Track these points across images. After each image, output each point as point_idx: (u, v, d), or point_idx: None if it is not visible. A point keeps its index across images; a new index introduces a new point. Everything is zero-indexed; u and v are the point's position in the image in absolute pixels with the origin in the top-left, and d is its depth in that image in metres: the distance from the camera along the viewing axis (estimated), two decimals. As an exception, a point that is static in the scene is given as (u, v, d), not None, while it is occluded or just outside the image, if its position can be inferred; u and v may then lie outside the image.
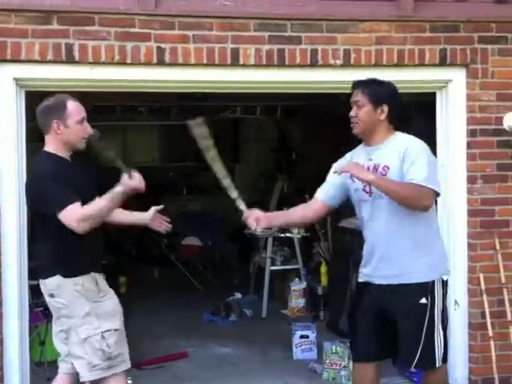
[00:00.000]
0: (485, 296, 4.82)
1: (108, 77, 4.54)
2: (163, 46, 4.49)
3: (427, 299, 3.58)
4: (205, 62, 4.55)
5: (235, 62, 4.58)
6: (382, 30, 4.74)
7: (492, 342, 4.78)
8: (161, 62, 4.51)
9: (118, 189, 3.46)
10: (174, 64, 4.54)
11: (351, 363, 3.97)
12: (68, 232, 3.45)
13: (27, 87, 4.55)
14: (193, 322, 6.95)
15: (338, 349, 5.25)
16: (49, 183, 3.47)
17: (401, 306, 3.61)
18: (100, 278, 3.71)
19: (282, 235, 7.73)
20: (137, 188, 3.48)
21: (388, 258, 3.64)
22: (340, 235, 7.26)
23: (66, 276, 3.55)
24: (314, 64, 4.68)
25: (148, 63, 4.50)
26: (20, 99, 4.51)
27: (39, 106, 3.70)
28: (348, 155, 3.91)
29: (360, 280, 3.84)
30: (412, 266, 3.60)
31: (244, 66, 4.61)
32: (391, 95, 3.73)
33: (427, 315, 3.58)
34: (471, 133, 4.87)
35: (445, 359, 3.67)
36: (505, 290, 4.84)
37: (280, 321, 7.03)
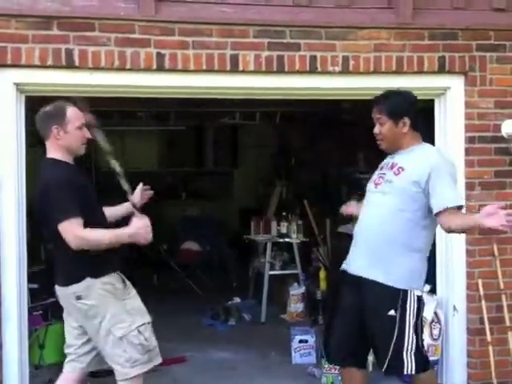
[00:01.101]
0: (483, 302, 4.83)
1: (108, 82, 4.56)
2: (163, 51, 4.51)
3: (396, 311, 3.59)
4: (204, 68, 4.57)
5: (234, 69, 4.60)
6: (380, 38, 4.76)
7: (490, 348, 4.80)
8: (160, 68, 4.53)
9: (127, 231, 3.60)
10: (173, 70, 4.55)
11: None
12: (94, 225, 3.55)
13: (27, 92, 4.56)
14: (192, 327, 6.95)
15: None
16: (62, 190, 3.52)
17: (370, 307, 3.64)
18: (124, 276, 3.82)
19: (281, 240, 7.75)
20: (144, 239, 3.63)
21: (371, 247, 3.67)
22: (339, 240, 7.28)
23: (95, 277, 3.61)
24: (312, 71, 4.69)
25: (147, 69, 4.52)
26: (20, 104, 4.53)
27: (39, 112, 3.74)
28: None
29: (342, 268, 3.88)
30: (390, 267, 3.62)
31: (243, 72, 4.63)
32: (410, 106, 3.75)
33: (396, 327, 3.59)
34: (469, 140, 4.88)
35: (422, 369, 3.69)
36: (503, 296, 4.86)
37: (279, 325, 7.03)
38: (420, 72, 4.80)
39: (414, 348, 3.63)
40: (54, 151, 3.70)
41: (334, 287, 3.89)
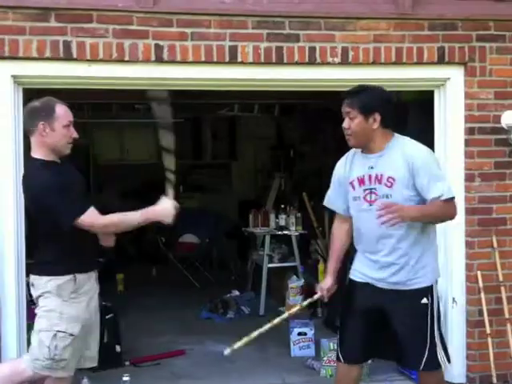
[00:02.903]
0: (482, 294, 4.83)
1: (106, 74, 4.53)
2: (161, 43, 4.49)
3: (428, 299, 3.58)
4: (203, 59, 4.55)
5: (233, 60, 4.58)
6: (380, 28, 4.74)
7: (490, 340, 4.80)
8: (159, 60, 4.51)
9: (151, 211, 3.70)
10: (172, 61, 4.53)
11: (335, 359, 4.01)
12: (62, 235, 3.49)
13: (25, 84, 4.54)
14: (190, 320, 6.95)
15: (335, 346, 5.25)
16: (57, 196, 3.46)
17: (402, 306, 3.59)
18: (86, 280, 3.69)
19: (280, 233, 7.74)
20: (168, 217, 3.72)
21: (393, 265, 3.60)
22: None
23: (52, 274, 3.59)
24: (312, 62, 4.68)
25: (146, 61, 4.50)
26: (17, 96, 4.50)
27: (26, 106, 3.68)
28: (343, 160, 3.84)
29: (356, 279, 3.78)
30: (416, 273, 3.59)
31: (242, 63, 4.61)
32: (382, 102, 3.64)
33: (429, 315, 3.57)
34: (469, 131, 4.87)
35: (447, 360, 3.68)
36: (502, 288, 4.85)
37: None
38: (420, 63, 4.79)
39: (441, 341, 3.63)
40: (38, 149, 3.61)
41: (346, 298, 3.83)
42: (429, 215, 3.57)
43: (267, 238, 7.64)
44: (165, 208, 3.74)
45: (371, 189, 3.61)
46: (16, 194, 4.40)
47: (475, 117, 4.87)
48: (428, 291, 3.61)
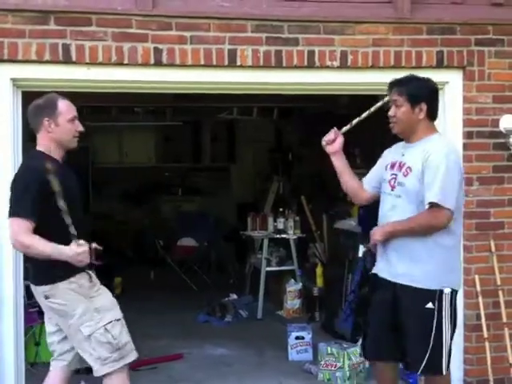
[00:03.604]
0: (480, 298, 4.83)
1: (105, 77, 4.53)
2: (160, 46, 4.49)
3: (434, 304, 3.54)
4: (202, 62, 4.55)
5: (232, 64, 4.58)
6: (379, 32, 4.75)
7: (487, 344, 4.79)
8: (158, 63, 4.51)
9: (67, 252, 3.43)
10: (171, 65, 4.53)
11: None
12: (60, 235, 3.45)
13: (24, 87, 4.54)
14: (188, 323, 6.96)
15: (333, 350, 5.26)
16: (29, 186, 3.43)
17: (407, 306, 3.59)
18: (92, 273, 3.71)
19: (278, 236, 7.74)
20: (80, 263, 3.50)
21: (401, 255, 3.62)
22: (336, 236, 7.28)
23: (60, 279, 3.54)
24: (311, 65, 4.68)
25: (145, 64, 4.50)
26: (17, 99, 4.50)
27: (30, 105, 3.71)
28: (386, 151, 3.94)
29: (373, 271, 3.84)
30: (422, 269, 3.58)
31: (241, 67, 4.61)
32: (430, 93, 3.71)
33: (435, 320, 3.55)
34: (467, 135, 4.87)
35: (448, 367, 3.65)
36: (500, 292, 4.85)
37: (275, 322, 7.04)
38: (418, 67, 4.78)
39: (449, 345, 3.59)
40: (43, 144, 3.65)
41: (369, 286, 3.85)
42: (401, 230, 3.59)
43: (265, 242, 7.66)
44: (78, 254, 3.46)
45: (395, 174, 3.70)
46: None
47: (474, 121, 4.87)
48: (435, 294, 3.57)
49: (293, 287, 7.26)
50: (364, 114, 3.93)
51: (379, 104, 3.89)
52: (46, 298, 3.60)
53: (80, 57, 4.40)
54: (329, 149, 3.96)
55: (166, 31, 4.49)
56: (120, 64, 4.47)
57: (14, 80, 4.44)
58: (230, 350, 6.09)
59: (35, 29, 4.34)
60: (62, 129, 3.62)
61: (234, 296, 7.67)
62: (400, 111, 3.64)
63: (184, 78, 4.63)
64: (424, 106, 3.63)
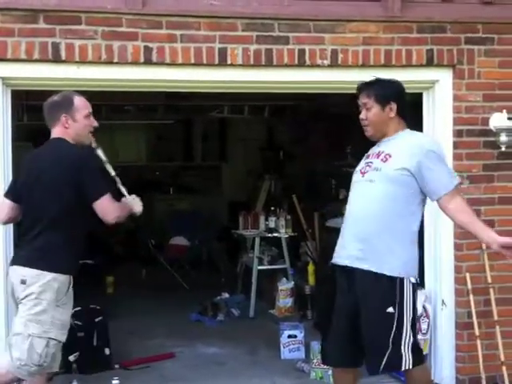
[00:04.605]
0: (471, 296, 4.83)
1: (95, 76, 4.53)
2: (150, 45, 4.48)
3: (394, 307, 3.52)
4: (192, 61, 4.55)
5: (223, 62, 4.58)
6: (369, 31, 4.75)
7: (479, 342, 4.80)
8: (148, 62, 4.50)
9: (129, 199, 3.91)
10: (161, 63, 4.53)
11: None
12: (70, 223, 3.59)
13: (13, 86, 4.53)
14: (180, 322, 6.94)
15: (325, 348, 5.25)
16: (94, 168, 3.66)
17: (365, 302, 3.56)
18: (70, 282, 3.67)
19: (270, 235, 7.74)
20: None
21: (362, 237, 3.61)
22: (327, 235, 7.28)
23: (50, 269, 3.53)
24: (301, 64, 4.68)
25: (135, 62, 4.49)
26: (6, 98, 4.49)
27: (46, 102, 3.79)
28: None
29: (332, 262, 3.80)
30: (384, 256, 3.56)
31: (232, 65, 4.61)
32: (397, 91, 3.77)
33: (394, 324, 3.52)
34: (457, 133, 4.88)
35: (418, 362, 3.61)
36: (491, 290, 4.86)
37: (268, 320, 7.03)
38: (408, 65, 4.80)
39: (411, 342, 3.56)
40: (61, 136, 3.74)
41: (323, 285, 3.81)
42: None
43: (257, 241, 7.65)
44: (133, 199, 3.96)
45: (370, 162, 3.73)
46: (3, 191, 4.37)
47: (463, 119, 4.88)
48: (395, 285, 3.55)
49: (285, 286, 7.26)
50: None
51: None
52: (23, 282, 3.54)
53: (70, 55, 4.39)
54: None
55: (156, 30, 4.49)
56: (110, 63, 4.47)
57: (3, 79, 4.43)
58: (222, 348, 6.08)
59: (24, 27, 4.33)
60: (79, 124, 3.75)
61: (226, 295, 7.66)
62: (371, 113, 3.70)
63: (174, 77, 4.62)
64: (394, 105, 3.69)
